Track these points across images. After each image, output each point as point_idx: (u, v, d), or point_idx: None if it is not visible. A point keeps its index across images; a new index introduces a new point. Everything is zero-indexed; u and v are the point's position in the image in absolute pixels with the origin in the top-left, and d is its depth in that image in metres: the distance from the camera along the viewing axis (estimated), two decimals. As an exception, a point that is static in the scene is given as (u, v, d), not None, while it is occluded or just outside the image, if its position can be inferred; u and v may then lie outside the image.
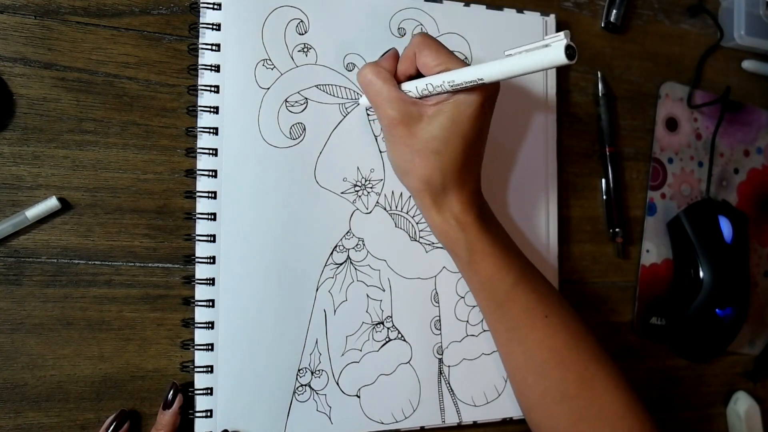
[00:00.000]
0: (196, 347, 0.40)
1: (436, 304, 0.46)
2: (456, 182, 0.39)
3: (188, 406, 0.40)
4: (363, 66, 0.41)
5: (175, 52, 0.42)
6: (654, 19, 0.57)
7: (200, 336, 0.40)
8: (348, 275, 0.44)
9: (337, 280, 0.43)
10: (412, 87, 0.39)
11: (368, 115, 0.45)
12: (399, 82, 0.40)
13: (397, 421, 0.44)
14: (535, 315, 0.41)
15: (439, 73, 0.38)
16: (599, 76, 0.53)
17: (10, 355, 0.38)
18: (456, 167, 0.39)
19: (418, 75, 0.40)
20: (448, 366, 0.45)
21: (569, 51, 0.31)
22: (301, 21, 0.43)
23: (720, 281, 0.52)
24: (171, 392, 0.39)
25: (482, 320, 0.47)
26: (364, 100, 0.44)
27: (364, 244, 0.44)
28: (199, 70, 0.41)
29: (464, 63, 0.38)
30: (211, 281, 0.41)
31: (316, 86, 0.43)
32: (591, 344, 0.42)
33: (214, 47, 0.41)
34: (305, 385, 0.42)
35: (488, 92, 0.38)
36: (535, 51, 0.33)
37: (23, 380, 0.39)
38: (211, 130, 0.41)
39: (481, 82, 0.35)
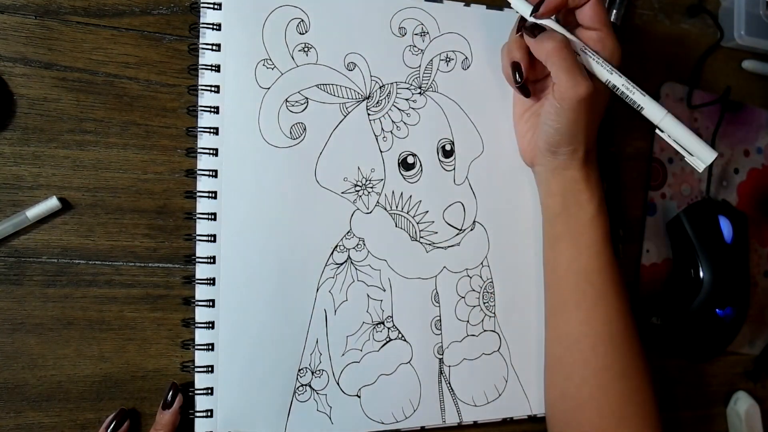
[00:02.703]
0: (196, 347, 0.40)
1: (437, 304, 0.46)
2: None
3: (188, 406, 0.40)
4: (553, 35, 0.41)
5: (176, 52, 0.42)
6: (654, 19, 0.57)
7: (200, 336, 0.40)
8: (348, 275, 0.44)
9: (337, 280, 0.43)
10: (604, 73, 0.41)
11: (368, 114, 0.45)
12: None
13: (397, 421, 0.44)
14: (621, 283, 0.43)
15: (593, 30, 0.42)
16: (599, 76, 0.53)
17: (11, 355, 0.38)
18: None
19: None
20: (449, 366, 0.45)
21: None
22: (302, 20, 0.43)
23: (720, 281, 0.52)
24: (170, 392, 0.39)
25: (482, 320, 0.47)
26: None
27: (364, 244, 0.44)
28: (200, 70, 0.41)
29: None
30: (211, 281, 0.41)
31: (317, 86, 0.43)
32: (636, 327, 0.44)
33: (214, 47, 0.41)
34: (305, 385, 0.42)
35: None
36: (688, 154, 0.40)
37: (23, 380, 0.39)
38: (212, 130, 0.41)
39: (641, 111, 0.41)
